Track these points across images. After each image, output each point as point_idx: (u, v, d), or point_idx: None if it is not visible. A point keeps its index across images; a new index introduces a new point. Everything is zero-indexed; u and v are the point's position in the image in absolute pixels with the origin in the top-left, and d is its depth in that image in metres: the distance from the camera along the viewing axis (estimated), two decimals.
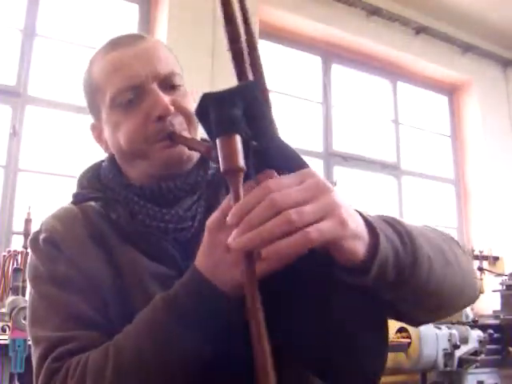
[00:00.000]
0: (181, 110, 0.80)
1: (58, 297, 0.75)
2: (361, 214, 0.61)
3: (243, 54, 0.62)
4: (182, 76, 0.85)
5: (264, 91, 0.64)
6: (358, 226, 0.58)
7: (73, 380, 0.66)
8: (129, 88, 0.78)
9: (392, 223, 0.64)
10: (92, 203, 0.83)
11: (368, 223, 0.60)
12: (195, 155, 0.82)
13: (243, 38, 0.62)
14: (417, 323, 0.75)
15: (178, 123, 0.79)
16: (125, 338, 0.66)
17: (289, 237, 0.52)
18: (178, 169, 0.80)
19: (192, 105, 0.82)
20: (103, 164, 0.89)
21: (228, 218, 0.54)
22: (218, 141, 0.57)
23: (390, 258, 0.59)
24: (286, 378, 0.55)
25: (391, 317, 0.70)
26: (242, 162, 0.56)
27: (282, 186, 0.55)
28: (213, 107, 0.59)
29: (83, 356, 0.67)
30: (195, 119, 0.79)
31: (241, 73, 0.62)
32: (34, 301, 0.78)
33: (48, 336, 0.72)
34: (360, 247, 0.57)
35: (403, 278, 0.61)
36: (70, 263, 0.76)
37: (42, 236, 0.79)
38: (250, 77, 0.62)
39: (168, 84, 0.80)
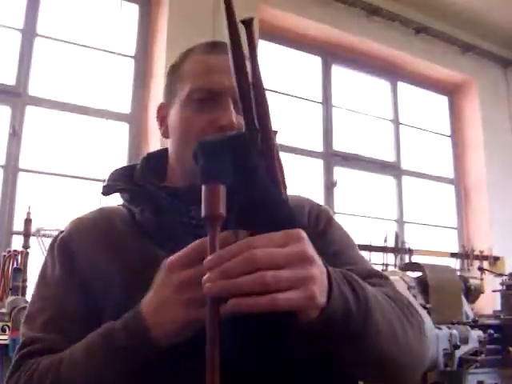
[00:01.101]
0: (240, 130, 0.83)
1: (45, 300, 0.81)
2: (329, 276, 0.62)
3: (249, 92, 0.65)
4: None
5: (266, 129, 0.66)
6: (323, 297, 0.60)
7: (23, 379, 0.73)
8: (209, 90, 0.84)
9: (354, 286, 0.66)
10: (118, 205, 0.88)
11: (330, 287, 0.62)
12: None
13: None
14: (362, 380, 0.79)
15: None
16: (68, 356, 0.71)
17: (258, 297, 0.54)
18: None
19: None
20: (137, 166, 0.93)
21: (205, 261, 0.57)
22: (203, 188, 0.60)
23: (340, 321, 0.62)
24: None
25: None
26: (221, 210, 0.58)
27: (266, 245, 0.57)
28: (201, 155, 0.62)
29: (40, 359, 0.74)
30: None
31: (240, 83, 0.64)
32: (32, 298, 0.83)
33: (26, 334, 0.79)
34: (315, 314, 0.60)
35: (349, 341, 0.65)
36: (76, 271, 0.80)
37: (59, 238, 0.85)
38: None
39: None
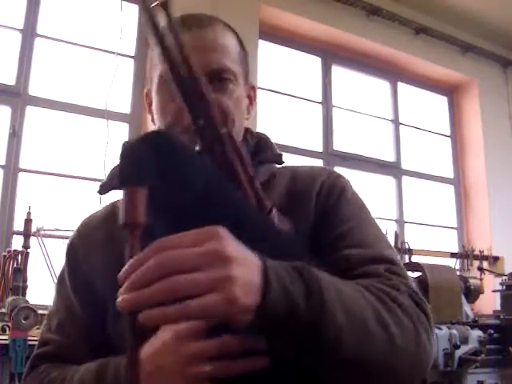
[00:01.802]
0: (220, 107, 0.77)
1: (59, 300, 0.84)
2: (266, 271, 0.55)
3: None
4: (242, 72, 0.83)
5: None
6: (252, 297, 0.53)
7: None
8: None
9: (308, 280, 0.57)
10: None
11: (266, 278, 0.54)
12: None
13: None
14: None
15: None
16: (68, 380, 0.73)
17: (165, 307, 0.49)
18: None
19: (238, 102, 0.81)
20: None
21: (119, 275, 0.52)
22: (122, 192, 0.56)
23: (283, 320, 0.55)
24: None
25: None
26: (141, 216, 0.54)
27: (177, 246, 0.52)
28: (120, 158, 0.58)
29: (50, 369, 0.76)
30: (234, 116, 0.79)
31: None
32: (54, 296, 0.86)
33: (43, 334, 0.83)
34: (247, 318, 0.53)
35: (301, 341, 0.57)
36: (80, 269, 0.82)
37: (70, 238, 0.87)
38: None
39: (217, 77, 0.79)
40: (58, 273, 0.90)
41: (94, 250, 0.82)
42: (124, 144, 0.58)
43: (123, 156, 0.57)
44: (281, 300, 0.54)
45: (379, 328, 0.61)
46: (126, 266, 0.53)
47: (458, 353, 2.58)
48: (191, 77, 0.64)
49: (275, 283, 0.54)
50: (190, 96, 0.65)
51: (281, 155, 0.85)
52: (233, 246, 0.53)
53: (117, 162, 0.91)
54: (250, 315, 0.53)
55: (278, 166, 0.86)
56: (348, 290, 0.62)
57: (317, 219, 0.78)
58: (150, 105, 0.88)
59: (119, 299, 0.51)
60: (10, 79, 2.92)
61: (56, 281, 0.88)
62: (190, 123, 0.73)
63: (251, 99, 0.88)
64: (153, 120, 0.88)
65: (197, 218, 0.56)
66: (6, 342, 2.08)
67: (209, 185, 0.60)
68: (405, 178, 4.38)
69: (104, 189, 0.84)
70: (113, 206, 0.88)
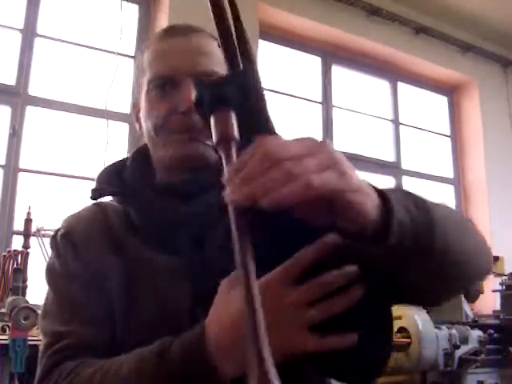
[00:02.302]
0: None
1: (67, 292, 0.80)
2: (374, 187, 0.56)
3: (231, 34, 0.62)
4: None
5: (256, 83, 0.63)
6: (363, 182, 0.53)
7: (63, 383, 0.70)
8: (164, 76, 0.82)
9: (401, 189, 0.61)
10: (112, 201, 0.87)
11: (374, 186, 0.55)
12: (213, 155, 0.80)
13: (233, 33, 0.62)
14: (431, 302, 0.76)
15: (201, 122, 0.79)
16: (113, 374, 0.66)
17: (288, 186, 0.47)
18: (192, 164, 0.81)
19: None
20: (127, 163, 0.90)
21: (224, 177, 0.51)
22: (212, 118, 0.57)
23: (406, 221, 0.54)
24: (284, 372, 0.47)
25: (401, 301, 0.68)
26: (233, 132, 0.55)
27: (279, 142, 0.51)
28: (208, 89, 0.59)
29: (79, 366, 0.70)
30: None
31: (228, 51, 0.63)
32: (47, 295, 0.83)
33: (53, 330, 0.77)
34: (368, 203, 0.52)
35: (421, 244, 0.56)
36: (81, 260, 0.80)
37: (59, 232, 0.84)
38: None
39: None
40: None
41: (94, 242, 0.81)
42: (203, 81, 0.61)
43: (206, 85, 0.59)
44: (398, 205, 0.54)
45: (468, 225, 0.70)
46: (230, 168, 0.51)
47: (458, 353, 2.58)
48: (239, 26, 0.64)
49: (388, 192, 0.55)
50: (232, 42, 0.64)
51: None
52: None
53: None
54: (374, 208, 0.52)
55: None
56: (436, 203, 0.64)
57: None
58: (138, 113, 0.89)
59: (230, 194, 0.49)
60: (10, 79, 2.92)
61: (46, 281, 0.85)
62: (179, 123, 0.78)
63: None
64: (140, 128, 0.89)
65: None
66: (6, 342, 2.08)
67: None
68: (405, 178, 4.38)
69: (96, 195, 0.85)
70: (99, 206, 0.87)
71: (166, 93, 0.81)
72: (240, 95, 0.59)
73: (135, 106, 0.91)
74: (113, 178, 0.86)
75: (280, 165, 0.47)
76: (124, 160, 0.91)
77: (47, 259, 0.88)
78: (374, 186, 0.55)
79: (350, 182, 0.50)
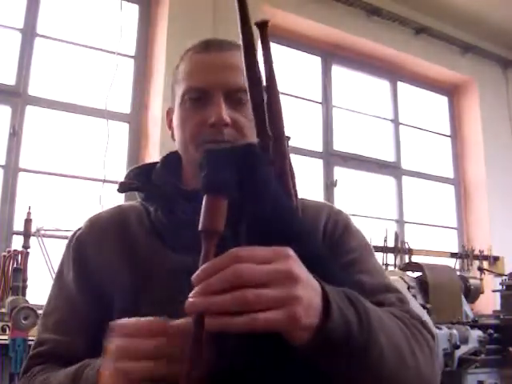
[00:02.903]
0: (236, 125, 0.84)
1: (59, 299, 0.84)
2: (324, 291, 0.59)
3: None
4: None
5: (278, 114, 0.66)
6: (311, 318, 0.57)
7: None
8: (197, 89, 0.85)
9: (357, 307, 0.62)
10: (135, 203, 0.90)
11: (326, 303, 0.59)
12: None
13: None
14: None
15: (230, 135, 0.83)
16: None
17: (235, 317, 0.52)
18: None
19: (252, 123, 0.85)
20: (156, 165, 0.94)
21: (193, 277, 0.55)
22: (204, 198, 0.58)
23: (339, 343, 0.59)
24: None
25: None
26: (219, 225, 0.57)
27: (252, 259, 0.55)
28: (205, 165, 0.59)
29: (40, 372, 0.77)
30: (250, 135, 0.83)
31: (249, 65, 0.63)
32: (49, 295, 0.86)
33: (38, 334, 0.83)
34: (303, 336, 0.57)
35: (349, 364, 0.61)
36: (88, 265, 0.83)
37: (76, 235, 0.87)
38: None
39: (234, 98, 0.84)
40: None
41: (106, 248, 0.83)
42: (209, 151, 0.61)
43: (209, 164, 0.60)
44: (340, 324, 0.59)
45: (410, 354, 0.68)
46: (199, 270, 0.55)
47: (458, 353, 2.58)
48: (272, 90, 0.67)
49: (335, 308, 0.59)
50: (263, 110, 0.68)
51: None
52: (300, 268, 0.57)
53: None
54: (309, 334, 0.57)
55: None
56: (387, 319, 0.68)
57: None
58: (171, 121, 0.93)
59: (189, 300, 0.54)
60: (10, 79, 2.92)
61: (54, 277, 0.88)
62: (209, 135, 0.80)
63: None
64: (172, 136, 0.93)
65: (267, 235, 0.60)
66: (6, 342, 2.08)
67: (279, 203, 0.63)
68: (405, 178, 4.38)
69: (123, 188, 0.88)
70: (120, 209, 0.89)
71: (200, 105, 0.84)
72: (242, 174, 0.60)
73: (169, 113, 0.95)
74: (141, 176, 0.90)
75: (240, 293, 0.52)
76: (154, 163, 0.95)
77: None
78: (326, 300, 0.58)
79: (297, 325, 0.54)
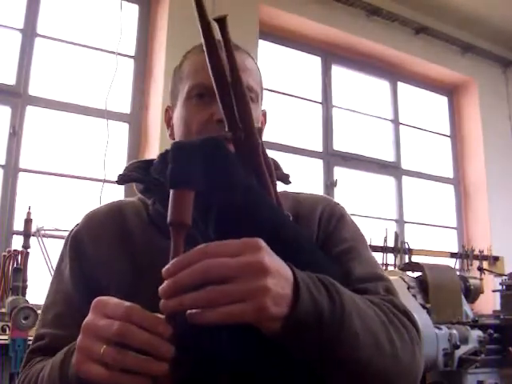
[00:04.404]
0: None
1: (57, 293, 0.84)
2: (297, 283, 0.60)
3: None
4: (260, 94, 0.92)
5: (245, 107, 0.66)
6: (281, 307, 0.58)
7: (21, 378, 0.78)
8: (205, 87, 0.85)
9: (331, 292, 0.63)
10: (131, 199, 0.91)
11: (297, 290, 0.60)
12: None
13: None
14: None
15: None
16: (44, 370, 0.73)
17: (204, 312, 0.55)
18: None
19: (258, 122, 0.89)
20: (155, 161, 0.93)
21: (163, 271, 0.57)
22: (171, 193, 0.59)
23: (310, 328, 0.60)
24: None
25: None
26: (187, 218, 0.59)
27: (220, 254, 0.56)
28: (171, 159, 0.61)
29: (37, 362, 0.78)
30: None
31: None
32: (48, 290, 0.87)
33: (38, 328, 0.84)
34: (275, 325, 0.59)
35: (324, 349, 0.62)
36: (85, 261, 0.83)
37: (72, 232, 0.88)
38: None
39: None
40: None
41: (103, 244, 0.83)
42: (175, 146, 0.63)
43: (174, 158, 0.61)
44: (310, 310, 0.60)
45: (387, 341, 0.68)
46: (169, 264, 0.58)
47: (458, 353, 2.58)
48: (238, 85, 0.69)
49: (306, 294, 0.60)
50: (232, 104, 0.69)
51: (289, 176, 0.91)
52: (270, 258, 0.58)
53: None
54: (279, 323, 0.59)
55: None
56: (363, 305, 0.68)
57: (319, 240, 0.85)
58: (170, 119, 0.94)
59: (162, 302, 0.56)
60: (10, 79, 2.92)
61: (53, 272, 0.88)
62: (215, 131, 0.79)
63: (262, 123, 0.95)
64: (171, 134, 0.93)
65: (238, 223, 0.62)
66: (6, 341, 2.08)
67: (250, 193, 0.64)
68: (405, 178, 4.38)
69: (123, 180, 0.88)
70: (118, 205, 0.90)
71: (205, 102, 0.85)
72: (209, 166, 0.61)
73: (168, 111, 0.96)
74: (140, 169, 0.91)
75: (206, 291, 0.55)
76: (153, 159, 0.94)
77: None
78: (297, 287, 0.60)
79: (265, 315, 0.56)
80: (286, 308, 0.58)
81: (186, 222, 0.59)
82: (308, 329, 0.60)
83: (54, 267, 0.89)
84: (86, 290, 0.81)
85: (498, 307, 3.48)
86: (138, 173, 0.89)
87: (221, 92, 0.69)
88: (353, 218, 0.93)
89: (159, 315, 0.58)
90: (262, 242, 0.58)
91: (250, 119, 0.71)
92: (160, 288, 0.57)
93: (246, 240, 0.58)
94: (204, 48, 0.69)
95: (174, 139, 0.92)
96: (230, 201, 0.62)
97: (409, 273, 2.89)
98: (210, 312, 0.55)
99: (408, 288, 2.62)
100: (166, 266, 0.57)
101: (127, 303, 0.60)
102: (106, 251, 0.83)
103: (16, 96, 2.91)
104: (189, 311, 0.56)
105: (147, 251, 0.80)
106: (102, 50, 3.19)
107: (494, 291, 3.59)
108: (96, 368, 0.59)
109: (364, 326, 0.65)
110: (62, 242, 0.90)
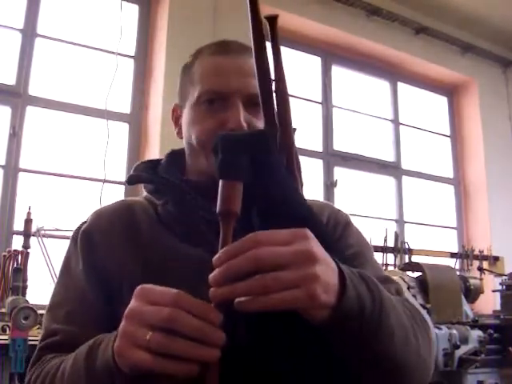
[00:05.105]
0: (251, 129, 0.85)
1: (68, 290, 0.83)
2: (343, 275, 0.62)
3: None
4: None
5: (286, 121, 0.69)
6: (329, 296, 0.59)
7: (34, 375, 0.77)
8: (216, 93, 0.85)
9: (370, 286, 0.65)
10: (139, 198, 0.91)
11: (343, 282, 0.62)
12: None
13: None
14: None
15: None
16: (64, 364, 0.72)
17: (256, 298, 0.56)
18: None
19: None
20: (162, 161, 0.95)
21: (214, 259, 0.58)
22: (219, 183, 0.61)
23: (354, 320, 0.62)
24: None
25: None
26: (236, 207, 0.60)
27: (271, 242, 0.57)
28: (221, 150, 0.62)
29: (51, 358, 0.76)
30: None
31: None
32: (55, 288, 0.86)
33: (48, 325, 0.82)
34: (323, 314, 0.60)
35: (362, 342, 0.64)
36: (93, 260, 0.83)
37: (82, 228, 0.87)
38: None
39: (251, 102, 0.85)
40: (58, 272, 0.90)
41: (114, 238, 0.83)
42: (224, 137, 0.64)
43: (224, 150, 0.62)
44: (355, 301, 0.62)
45: (413, 337, 0.71)
46: (220, 253, 0.58)
47: (458, 353, 2.58)
48: (281, 83, 0.71)
49: (351, 286, 0.62)
50: (272, 101, 0.70)
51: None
52: (318, 248, 0.60)
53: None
54: (326, 312, 0.60)
55: None
56: (395, 302, 0.71)
57: None
58: (178, 118, 0.94)
59: (213, 290, 0.57)
60: (10, 79, 2.92)
61: (60, 270, 0.87)
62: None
63: None
64: (179, 133, 0.93)
65: (281, 217, 0.63)
66: (6, 341, 2.08)
67: (289, 188, 0.66)
68: (405, 178, 4.38)
69: (133, 180, 0.89)
70: (126, 203, 0.90)
71: (215, 108, 0.85)
72: (256, 161, 0.62)
73: (175, 110, 0.95)
74: (149, 170, 0.91)
75: (260, 278, 0.56)
76: (158, 159, 0.96)
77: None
78: (343, 280, 0.62)
79: (314, 303, 0.57)
80: (334, 298, 0.60)
81: (235, 211, 0.60)
82: (352, 319, 0.61)
83: (61, 266, 0.88)
84: (99, 283, 0.81)
85: (498, 307, 3.48)
86: (147, 173, 0.90)
87: (263, 88, 0.70)
88: (353, 218, 0.95)
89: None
90: (309, 232, 0.60)
91: (288, 118, 0.72)
92: (210, 276, 0.57)
93: (295, 230, 0.59)
94: (252, 43, 0.70)
95: (181, 138, 0.93)
96: (272, 196, 0.64)
97: (409, 273, 2.89)
98: (264, 298, 0.55)
99: (408, 288, 2.62)
100: (217, 255, 0.58)
101: (174, 290, 0.59)
102: (117, 247, 0.82)
103: (16, 96, 2.91)
104: (238, 299, 0.56)
105: (160, 252, 0.80)
106: (101, 50, 3.19)
107: (493, 291, 3.60)
108: (141, 354, 0.58)
109: (398, 320, 0.68)
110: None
